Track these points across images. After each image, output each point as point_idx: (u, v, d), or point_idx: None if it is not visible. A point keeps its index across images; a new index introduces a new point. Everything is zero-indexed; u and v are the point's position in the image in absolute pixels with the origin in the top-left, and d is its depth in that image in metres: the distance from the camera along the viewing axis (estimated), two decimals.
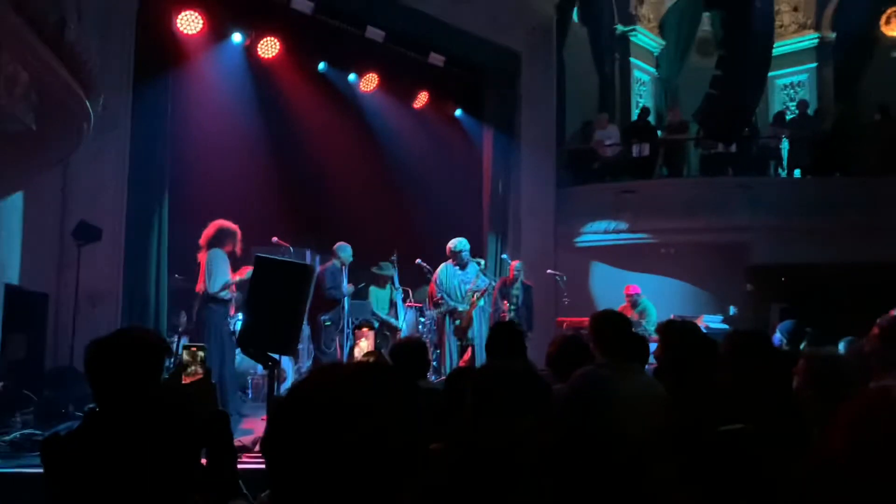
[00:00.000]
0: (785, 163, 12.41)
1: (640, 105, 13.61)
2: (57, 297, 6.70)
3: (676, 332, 3.35)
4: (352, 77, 10.21)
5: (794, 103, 13.60)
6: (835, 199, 10.79)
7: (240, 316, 7.18)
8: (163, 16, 7.55)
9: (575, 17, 12.95)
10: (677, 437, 2.32)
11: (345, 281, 8.26)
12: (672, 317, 7.33)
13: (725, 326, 9.14)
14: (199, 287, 6.84)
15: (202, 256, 6.85)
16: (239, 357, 7.18)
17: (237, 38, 8.86)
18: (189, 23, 8.16)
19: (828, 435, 2.12)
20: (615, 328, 3.57)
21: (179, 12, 8.01)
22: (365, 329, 8.47)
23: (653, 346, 4.78)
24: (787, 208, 10.89)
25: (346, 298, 8.22)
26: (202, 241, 6.90)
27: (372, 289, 9.20)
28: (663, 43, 14.58)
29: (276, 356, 5.31)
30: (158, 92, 7.39)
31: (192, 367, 2.34)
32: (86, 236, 6.50)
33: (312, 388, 1.10)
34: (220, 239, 6.85)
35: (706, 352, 3.13)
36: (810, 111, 12.89)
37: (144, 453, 1.99)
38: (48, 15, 4.30)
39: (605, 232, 11.56)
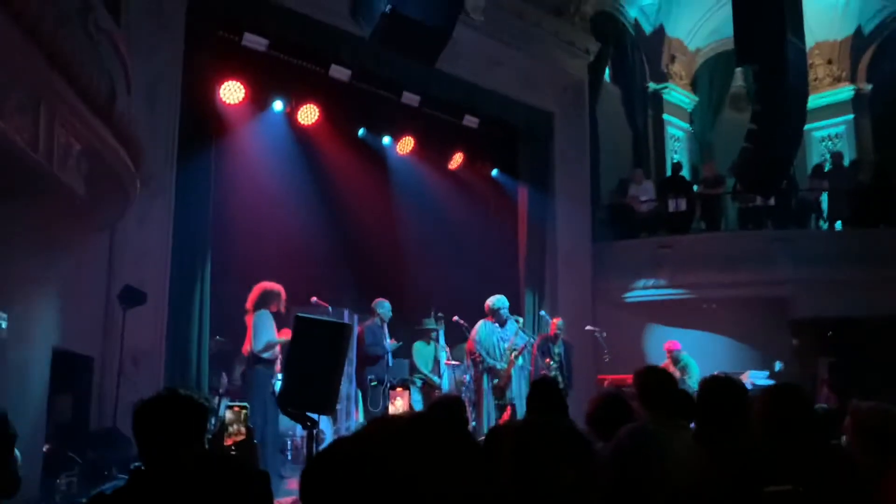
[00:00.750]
0: (825, 215, 12.25)
1: (675, 161, 13.61)
2: (102, 359, 6.80)
3: (718, 387, 3.28)
4: (388, 140, 10.42)
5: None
6: (879, 251, 10.57)
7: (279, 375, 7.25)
8: (206, 86, 7.84)
9: (607, 76, 13.13)
10: (722, 494, 2.26)
11: (387, 337, 8.29)
12: (716, 373, 7.17)
13: (771, 382, 8.91)
14: (246, 349, 7.00)
15: (249, 319, 7.01)
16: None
17: (278, 105, 9.15)
18: (231, 92, 8.47)
19: (884, 488, 2.05)
20: (660, 384, 3.52)
21: (222, 82, 8.32)
22: (399, 389, 8.45)
23: None
24: (830, 261, 10.69)
25: (388, 354, 8.24)
26: (248, 304, 7.12)
27: (416, 344, 9.20)
28: (696, 99, 14.65)
29: (315, 416, 5.31)
30: (202, 159, 7.61)
31: (235, 427, 2.35)
32: (131, 300, 6.62)
33: (363, 442, 1.08)
34: (265, 300, 7.04)
35: (748, 407, 3.06)
36: (846, 162, 12.76)
37: None
38: (100, 88, 4.51)
39: (644, 288, 11.46)
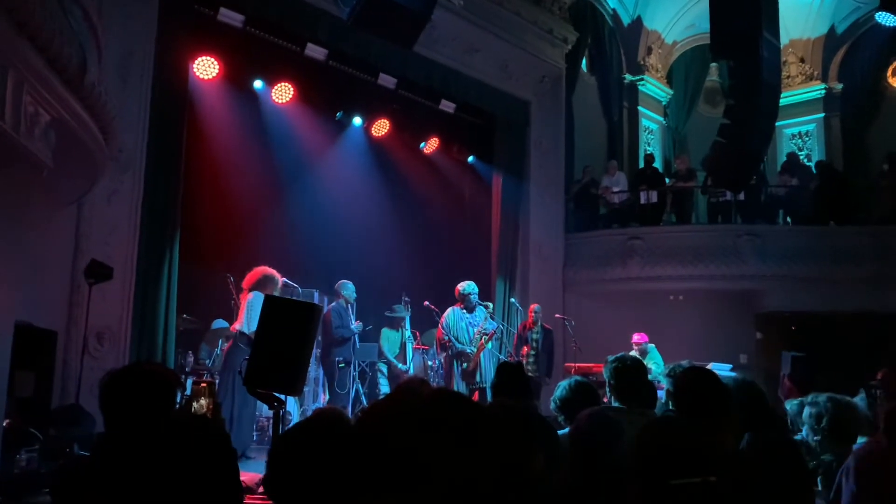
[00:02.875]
0: (791, 211, 12.45)
1: (648, 153, 13.73)
2: (66, 335, 6.70)
3: (685, 376, 3.32)
4: (363, 122, 10.36)
5: (802, 153, 13.72)
6: (844, 248, 10.77)
7: None
8: (180, 60, 7.69)
9: (584, 66, 13.16)
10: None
11: (352, 318, 8.29)
12: (682, 363, 7.26)
13: (733, 375, 9.04)
14: (235, 326, 6.98)
15: (243, 298, 7.06)
16: None
17: (257, 84, 9.07)
18: (206, 68, 8.36)
19: (840, 480, 2.10)
20: (633, 373, 3.55)
21: (196, 58, 8.20)
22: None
23: (660, 393, 4.74)
24: (796, 257, 10.87)
25: (356, 336, 8.23)
26: (245, 283, 7.11)
27: (384, 330, 9.20)
28: (671, 92, 14.76)
29: (282, 397, 5.28)
30: (173, 134, 7.50)
31: (202, 400, 2.33)
32: (97, 275, 6.52)
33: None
34: (263, 284, 7.02)
35: (717, 396, 3.09)
36: (814, 160, 13.00)
37: (153, 483, 1.98)
38: (70, 58, 4.40)
39: (614, 278, 11.55)
